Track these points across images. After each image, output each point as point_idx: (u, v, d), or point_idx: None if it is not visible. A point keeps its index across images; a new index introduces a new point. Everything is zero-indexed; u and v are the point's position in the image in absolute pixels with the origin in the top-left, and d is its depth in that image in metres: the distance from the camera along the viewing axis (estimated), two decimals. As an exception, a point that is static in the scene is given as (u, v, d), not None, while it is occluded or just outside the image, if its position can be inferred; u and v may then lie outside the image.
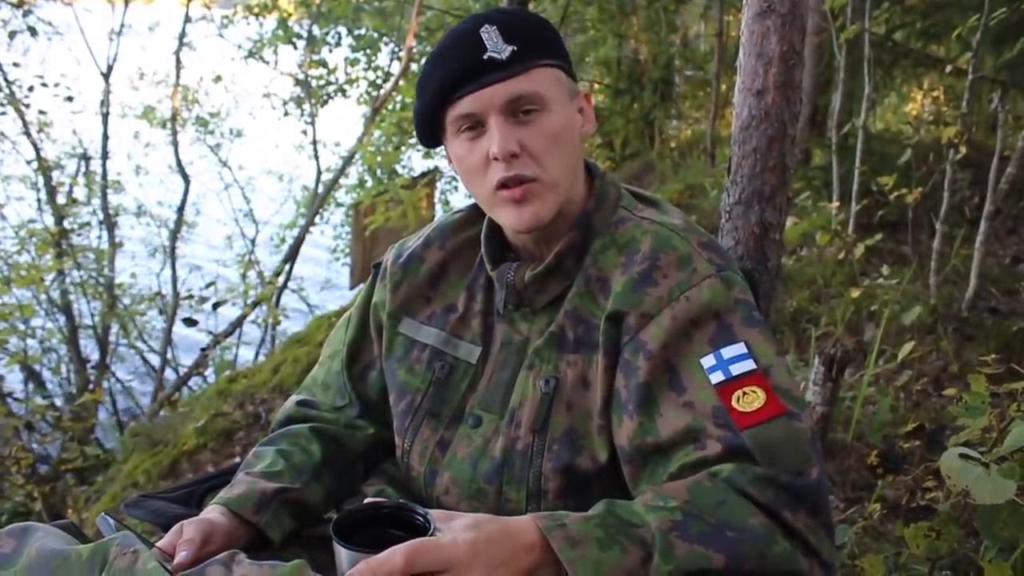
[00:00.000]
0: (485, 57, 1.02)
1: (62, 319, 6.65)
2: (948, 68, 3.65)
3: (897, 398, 2.70)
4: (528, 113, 1.04)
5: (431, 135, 1.12)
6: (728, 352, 0.98)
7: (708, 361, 0.98)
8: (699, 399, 0.96)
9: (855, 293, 3.12)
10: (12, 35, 6.54)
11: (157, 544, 0.96)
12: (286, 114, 8.54)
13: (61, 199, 6.99)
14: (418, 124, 1.11)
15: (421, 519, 0.83)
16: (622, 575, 0.80)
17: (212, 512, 1.05)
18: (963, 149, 3.08)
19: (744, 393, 0.95)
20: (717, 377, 0.97)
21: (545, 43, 1.07)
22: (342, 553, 0.80)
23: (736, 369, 0.97)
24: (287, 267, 7.68)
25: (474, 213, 1.23)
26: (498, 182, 1.05)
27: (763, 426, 0.93)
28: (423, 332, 1.19)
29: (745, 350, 0.98)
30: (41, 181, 6.95)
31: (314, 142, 8.25)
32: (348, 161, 7.68)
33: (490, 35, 1.03)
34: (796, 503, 0.89)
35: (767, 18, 1.44)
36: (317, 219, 8.03)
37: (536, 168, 1.04)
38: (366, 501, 0.87)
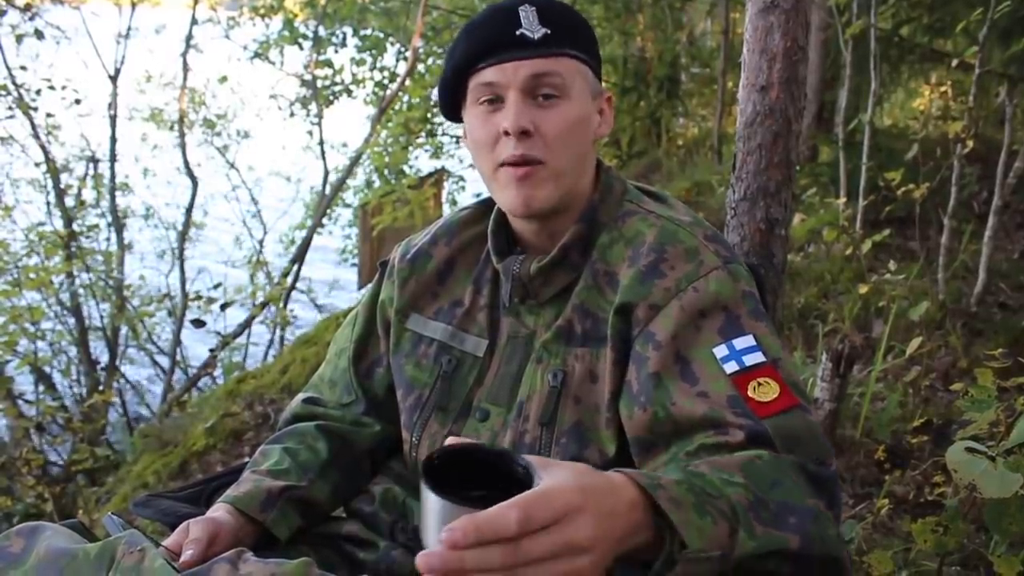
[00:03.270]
0: (517, 33, 1.05)
1: (72, 321, 6.67)
2: (955, 63, 3.64)
3: (905, 394, 2.68)
4: (548, 98, 1.06)
5: (452, 104, 1.13)
6: (739, 343, 0.98)
7: (721, 351, 0.98)
8: (713, 389, 0.96)
9: (863, 289, 3.11)
10: (20, 39, 6.57)
11: (164, 543, 0.96)
12: (292, 115, 8.55)
13: (70, 202, 7.00)
14: (442, 89, 1.13)
15: (522, 469, 0.71)
16: (715, 546, 0.75)
17: (218, 511, 1.06)
18: (970, 144, 3.07)
19: (759, 383, 0.95)
20: (732, 367, 0.96)
21: (579, 36, 1.09)
22: (435, 502, 0.65)
23: (748, 360, 0.97)
24: (295, 268, 7.69)
25: (481, 209, 1.24)
26: (504, 159, 1.06)
27: (782, 416, 0.92)
28: (430, 327, 1.19)
29: (754, 342, 0.98)
30: (50, 184, 6.97)
31: (321, 143, 8.25)
32: (355, 162, 7.68)
33: (527, 14, 1.06)
34: (820, 493, 0.88)
35: (771, 14, 1.44)
36: (325, 220, 8.04)
37: (545, 151, 1.05)
38: (458, 441, 0.74)
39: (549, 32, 1.05)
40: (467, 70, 1.07)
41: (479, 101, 1.08)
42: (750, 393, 0.94)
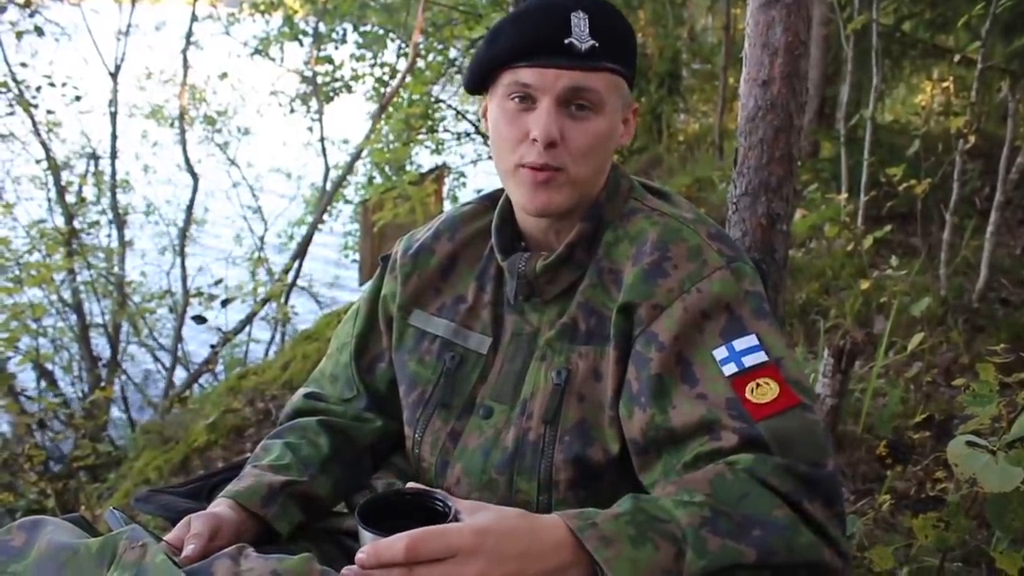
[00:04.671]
0: (566, 41, 1.03)
1: (73, 318, 6.67)
2: (957, 58, 3.63)
3: (907, 390, 2.68)
4: (581, 109, 1.05)
5: (479, 84, 1.12)
6: (740, 344, 0.98)
7: (720, 353, 0.98)
8: (712, 391, 0.96)
9: (864, 285, 3.11)
10: (19, 36, 6.56)
11: (165, 538, 0.96)
12: (292, 111, 8.55)
13: (71, 199, 7.00)
14: (473, 70, 1.11)
15: (441, 506, 0.83)
16: (657, 572, 0.79)
17: (220, 505, 1.05)
18: (972, 139, 3.07)
19: (758, 384, 0.95)
20: (730, 369, 0.97)
21: (624, 49, 1.08)
22: (365, 536, 0.80)
23: (748, 361, 0.97)
24: (296, 264, 7.69)
25: (484, 204, 1.23)
26: (526, 162, 1.05)
27: (778, 417, 0.93)
28: (433, 323, 1.19)
29: (756, 342, 0.98)
30: (51, 181, 6.97)
31: (321, 139, 8.25)
32: (356, 158, 7.67)
33: (579, 22, 1.04)
34: (812, 494, 0.88)
35: (772, 8, 1.44)
36: (326, 216, 8.04)
37: (568, 161, 1.05)
38: (393, 489, 0.88)
39: (596, 45, 1.03)
40: (505, 63, 1.06)
41: (510, 96, 1.06)
42: (747, 395, 0.94)
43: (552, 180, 1.05)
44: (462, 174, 8.31)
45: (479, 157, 8.17)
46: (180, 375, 6.96)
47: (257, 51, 8.29)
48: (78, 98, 6.75)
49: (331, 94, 8.38)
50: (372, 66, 8.35)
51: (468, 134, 8.18)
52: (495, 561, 0.76)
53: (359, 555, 0.77)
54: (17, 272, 5.94)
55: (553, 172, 1.05)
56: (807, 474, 0.89)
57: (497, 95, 1.09)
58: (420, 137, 7.80)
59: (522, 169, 1.06)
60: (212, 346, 6.79)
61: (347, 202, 8.61)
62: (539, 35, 1.04)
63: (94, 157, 7.43)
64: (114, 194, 7.43)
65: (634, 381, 1.01)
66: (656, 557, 0.79)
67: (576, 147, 1.04)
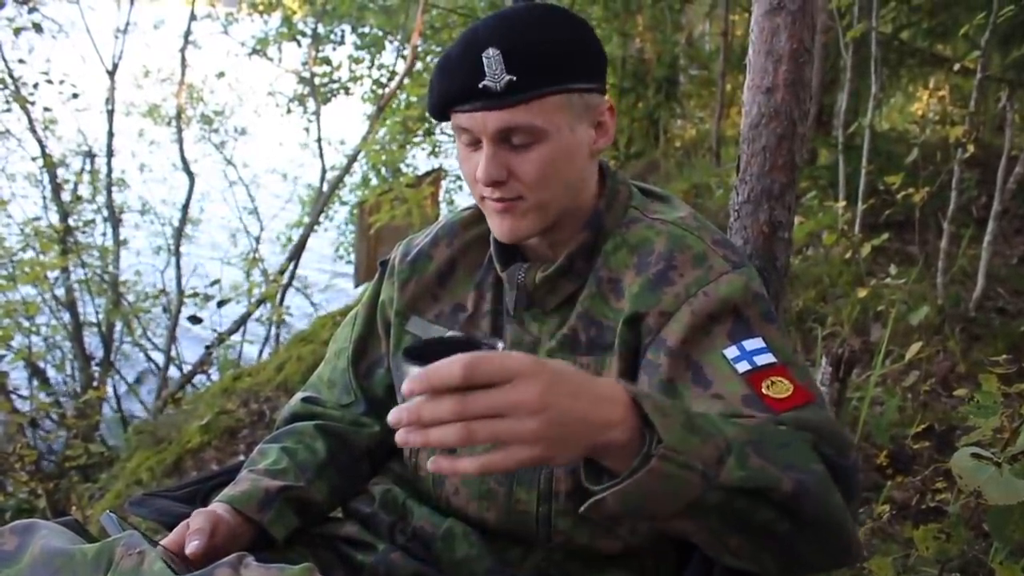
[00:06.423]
0: (480, 85, 0.99)
1: (66, 316, 6.65)
2: (955, 67, 3.63)
3: (904, 398, 2.68)
4: (522, 143, 1.01)
5: (444, 120, 1.11)
6: (748, 345, 0.97)
7: (732, 352, 0.97)
8: (727, 390, 0.95)
9: (862, 293, 3.10)
10: (17, 32, 6.54)
11: (163, 541, 0.95)
12: (289, 111, 8.54)
13: (66, 196, 6.98)
14: (429, 110, 1.10)
15: (488, 348, 0.78)
16: (698, 463, 0.76)
17: (216, 510, 1.04)
18: (970, 148, 3.07)
19: (772, 382, 0.94)
20: (743, 367, 0.96)
21: (554, 68, 1.00)
22: (412, 371, 0.74)
23: (759, 360, 0.96)
24: (291, 265, 7.67)
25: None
26: (484, 195, 1.05)
27: (799, 410, 0.92)
28: (432, 331, 1.17)
29: (764, 344, 0.97)
30: (46, 178, 6.95)
31: (318, 140, 8.24)
32: (353, 159, 7.66)
33: (491, 61, 0.98)
34: (835, 481, 0.87)
35: (777, 15, 1.43)
36: (322, 217, 8.02)
37: (523, 190, 1.03)
38: (448, 334, 0.83)
39: (515, 79, 0.97)
40: (444, 111, 1.05)
41: (460, 138, 1.06)
42: (764, 391, 0.93)
43: (513, 208, 1.04)
44: (458, 177, 8.31)
45: (476, 160, 8.15)
46: (174, 375, 6.94)
47: (255, 51, 8.29)
48: (75, 95, 6.73)
49: (328, 95, 8.38)
50: (370, 68, 8.35)
51: (465, 137, 8.16)
52: (552, 392, 0.71)
53: (405, 384, 0.71)
54: (11, 270, 5.91)
55: (511, 202, 1.04)
56: (834, 461, 0.88)
57: (455, 134, 1.08)
58: (416, 139, 7.80)
59: (486, 199, 1.06)
60: (206, 346, 6.77)
61: (343, 203, 8.60)
62: (456, 84, 1.01)
63: (90, 155, 7.41)
64: (109, 192, 7.41)
65: (647, 389, 1.00)
66: (702, 450, 0.76)
67: (527, 178, 1.02)
